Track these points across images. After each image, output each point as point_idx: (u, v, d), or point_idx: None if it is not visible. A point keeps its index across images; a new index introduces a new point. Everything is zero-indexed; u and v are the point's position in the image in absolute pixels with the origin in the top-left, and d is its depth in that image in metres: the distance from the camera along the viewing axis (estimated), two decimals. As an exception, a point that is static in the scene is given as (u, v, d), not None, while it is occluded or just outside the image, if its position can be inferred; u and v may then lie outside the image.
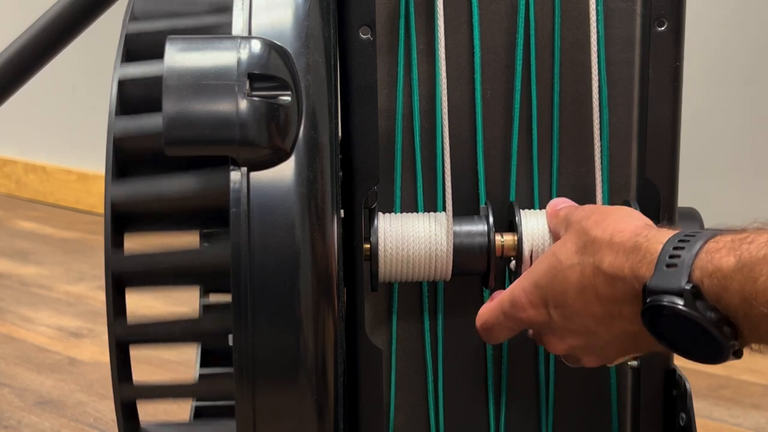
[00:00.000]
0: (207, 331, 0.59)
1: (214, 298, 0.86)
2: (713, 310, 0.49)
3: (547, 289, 0.58)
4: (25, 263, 1.85)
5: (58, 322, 1.50)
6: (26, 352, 1.39)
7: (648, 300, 0.51)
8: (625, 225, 0.56)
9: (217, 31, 0.60)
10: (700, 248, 0.50)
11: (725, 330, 0.49)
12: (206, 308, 0.85)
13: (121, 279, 0.57)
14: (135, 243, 0.58)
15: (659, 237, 0.53)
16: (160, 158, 0.55)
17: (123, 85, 0.59)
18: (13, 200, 2.39)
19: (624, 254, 0.54)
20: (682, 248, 0.51)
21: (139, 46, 0.61)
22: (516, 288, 0.61)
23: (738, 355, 0.51)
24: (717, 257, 0.49)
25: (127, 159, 0.58)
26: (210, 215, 0.57)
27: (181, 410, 0.86)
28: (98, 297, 1.62)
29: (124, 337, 0.57)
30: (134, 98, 0.59)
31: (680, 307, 0.50)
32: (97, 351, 1.38)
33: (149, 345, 0.59)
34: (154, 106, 0.55)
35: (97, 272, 1.76)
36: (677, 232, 0.53)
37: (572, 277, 0.56)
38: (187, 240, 0.60)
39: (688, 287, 0.50)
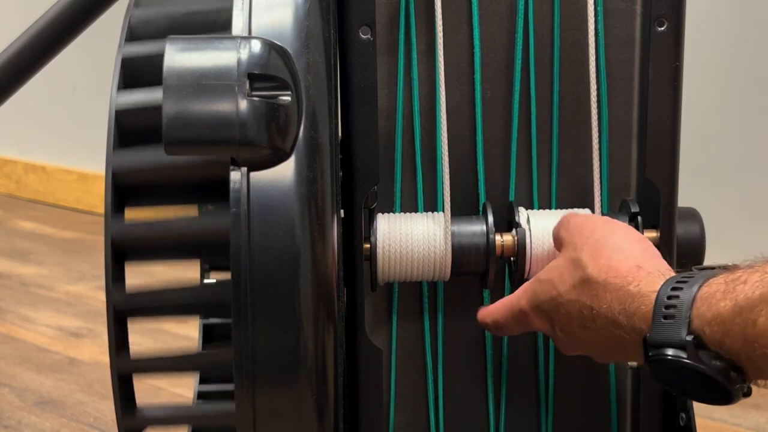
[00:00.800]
0: (207, 302, 0.59)
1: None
2: (718, 358, 0.49)
3: (551, 315, 0.59)
4: (25, 263, 1.85)
5: (58, 322, 1.50)
6: (26, 352, 1.39)
7: (650, 354, 0.51)
8: (619, 264, 0.55)
9: (219, 20, 0.60)
10: (695, 295, 0.50)
11: (732, 375, 0.49)
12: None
13: (122, 247, 0.56)
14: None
15: (652, 283, 0.53)
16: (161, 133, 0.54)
17: (126, 61, 0.59)
18: (13, 200, 2.39)
19: (619, 302, 0.54)
20: (677, 296, 0.50)
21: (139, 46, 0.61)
22: (522, 302, 0.61)
23: (747, 394, 0.50)
24: (714, 303, 0.49)
25: (128, 131, 0.58)
26: (210, 187, 0.56)
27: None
28: (98, 297, 1.62)
29: (123, 306, 0.56)
30: (137, 72, 0.59)
31: (685, 360, 0.49)
32: (97, 351, 1.38)
33: (148, 316, 0.59)
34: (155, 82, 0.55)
35: (97, 272, 1.76)
36: (669, 277, 0.52)
37: (573, 313, 0.57)
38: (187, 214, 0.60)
39: (689, 339, 0.49)
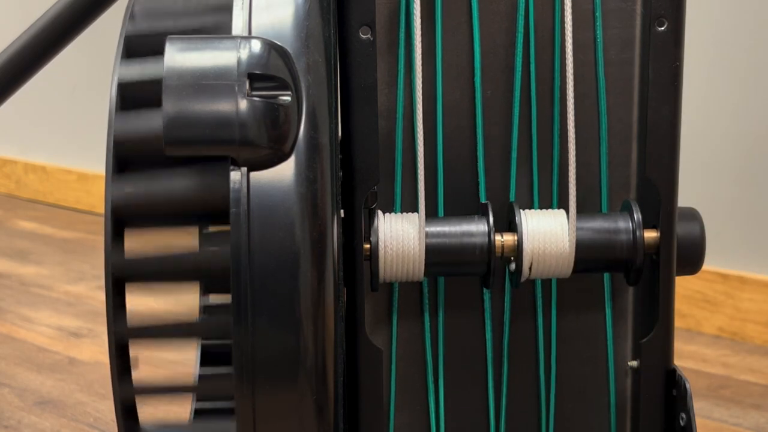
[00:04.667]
0: (208, 332, 0.59)
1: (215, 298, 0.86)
2: None
3: None
4: (25, 263, 1.85)
5: (58, 322, 1.50)
6: (26, 352, 1.39)
7: None
8: None
9: (218, 29, 0.60)
10: None
11: None
12: (206, 309, 0.85)
13: (122, 276, 0.57)
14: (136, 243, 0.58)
15: None
16: (161, 155, 0.54)
17: (123, 84, 0.59)
18: (13, 200, 2.39)
19: None
20: None
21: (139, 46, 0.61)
22: None
23: None
24: None
25: (127, 156, 0.58)
26: (211, 212, 0.56)
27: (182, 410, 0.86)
28: (98, 297, 1.62)
29: (124, 336, 0.56)
30: (135, 95, 0.59)
31: None
32: (97, 351, 1.38)
33: (149, 343, 0.59)
34: (155, 102, 0.55)
35: (97, 272, 1.76)
36: None
37: None
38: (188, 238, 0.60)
39: None
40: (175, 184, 0.57)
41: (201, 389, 0.65)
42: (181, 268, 0.57)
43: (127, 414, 0.58)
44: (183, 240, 0.59)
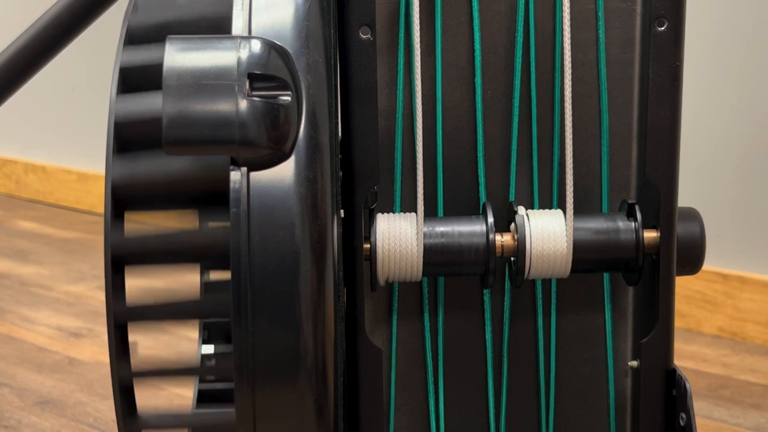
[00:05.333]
0: (209, 312, 0.59)
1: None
2: None
3: None
4: (25, 263, 1.85)
5: (58, 322, 1.50)
6: (26, 352, 1.39)
7: None
8: None
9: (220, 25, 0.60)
10: None
11: None
12: (207, 286, 0.86)
13: (121, 255, 0.56)
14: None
15: None
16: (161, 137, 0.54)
17: (125, 69, 0.59)
18: (13, 200, 2.39)
19: None
20: None
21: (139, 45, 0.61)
22: None
23: None
24: None
25: (127, 137, 0.58)
26: (210, 193, 0.57)
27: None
28: (98, 297, 1.62)
29: (124, 316, 0.56)
30: (136, 80, 0.59)
31: None
32: (97, 351, 1.38)
33: (148, 323, 0.59)
34: (156, 86, 0.55)
35: (97, 272, 1.76)
36: None
37: None
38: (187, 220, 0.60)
39: None
40: (175, 165, 0.57)
41: (202, 371, 0.65)
42: (180, 247, 0.57)
43: (125, 396, 0.57)
44: (182, 221, 0.59)
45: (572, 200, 0.64)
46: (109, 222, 0.56)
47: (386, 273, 0.65)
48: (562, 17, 0.66)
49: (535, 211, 0.67)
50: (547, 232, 0.64)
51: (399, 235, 0.64)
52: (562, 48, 0.65)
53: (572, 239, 0.64)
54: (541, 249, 0.64)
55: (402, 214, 0.66)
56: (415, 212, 0.67)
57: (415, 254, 0.64)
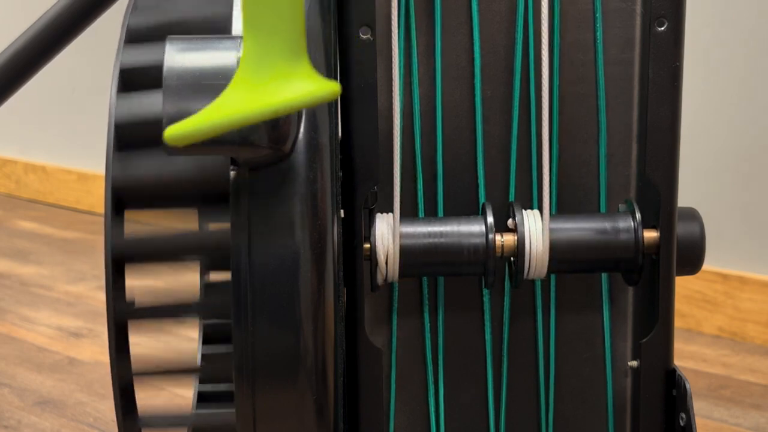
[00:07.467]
0: (209, 312, 0.59)
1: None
2: None
3: None
4: (25, 263, 1.85)
5: (58, 322, 1.50)
6: (26, 352, 1.39)
7: None
8: None
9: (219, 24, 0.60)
10: None
11: None
12: (207, 287, 0.85)
13: (121, 254, 0.56)
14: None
15: None
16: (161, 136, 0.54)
17: (125, 69, 0.59)
18: (13, 200, 2.39)
19: None
20: None
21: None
22: None
23: None
24: None
25: (127, 137, 0.58)
26: (211, 193, 0.57)
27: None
28: (98, 297, 1.62)
29: (123, 316, 0.56)
30: (136, 79, 0.59)
31: None
32: (97, 351, 1.38)
33: (148, 323, 0.58)
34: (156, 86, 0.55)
35: (97, 272, 1.76)
36: None
37: None
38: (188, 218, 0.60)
39: None
40: (175, 165, 0.57)
41: (202, 371, 0.65)
42: (180, 247, 0.57)
43: (125, 396, 0.57)
44: (182, 221, 0.59)
45: (549, 200, 0.64)
46: (109, 222, 0.56)
47: (383, 273, 0.65)
48: (550, 16, 0.66)
49: (535, 211, 0.67)
50: (547, 233, 0.64)
51: (396, 236, 0.64)
52: (550, 47, 0.65)
53: (548, 239, 0.64)
54: (541, 249, 0.64)
55: (400, 214, 0.66)
56: (415, 212, 0.68)
57: (392, 254, 0.64)
